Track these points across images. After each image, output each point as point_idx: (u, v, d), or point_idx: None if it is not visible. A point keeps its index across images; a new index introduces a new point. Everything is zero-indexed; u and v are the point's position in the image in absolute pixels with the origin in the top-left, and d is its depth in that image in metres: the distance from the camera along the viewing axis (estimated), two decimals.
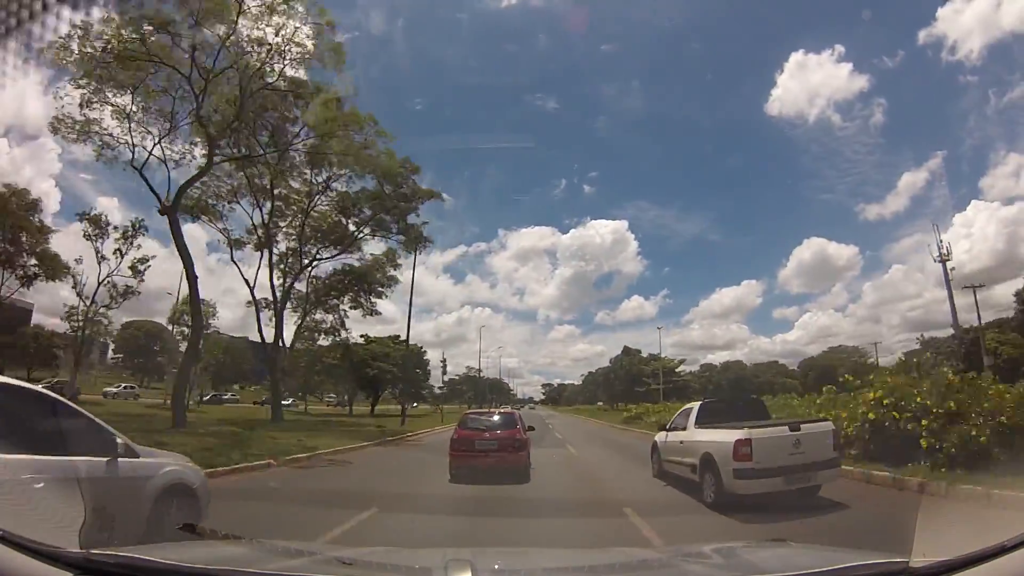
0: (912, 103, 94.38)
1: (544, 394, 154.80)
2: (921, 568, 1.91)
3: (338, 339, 41.25)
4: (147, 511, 4.69)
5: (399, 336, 48.08)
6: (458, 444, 10.91)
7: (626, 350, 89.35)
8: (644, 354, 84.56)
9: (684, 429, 9.71)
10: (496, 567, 2.93)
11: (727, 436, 7.76)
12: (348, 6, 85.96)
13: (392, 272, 36.13)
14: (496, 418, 12.03)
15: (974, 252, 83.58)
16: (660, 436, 11.04)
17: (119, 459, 4.48)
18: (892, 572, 1.98)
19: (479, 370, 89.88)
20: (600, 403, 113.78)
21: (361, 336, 53.04)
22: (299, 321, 35.44)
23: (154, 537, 4.47)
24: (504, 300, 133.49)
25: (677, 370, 78.01)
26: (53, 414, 4.22)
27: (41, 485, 3.61)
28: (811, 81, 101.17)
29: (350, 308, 37.71)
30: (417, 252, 35.30)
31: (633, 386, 77.48)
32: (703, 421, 9.37)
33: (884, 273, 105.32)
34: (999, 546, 1.82)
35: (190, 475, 5.49)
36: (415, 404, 69.65)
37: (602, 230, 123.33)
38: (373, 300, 37.35)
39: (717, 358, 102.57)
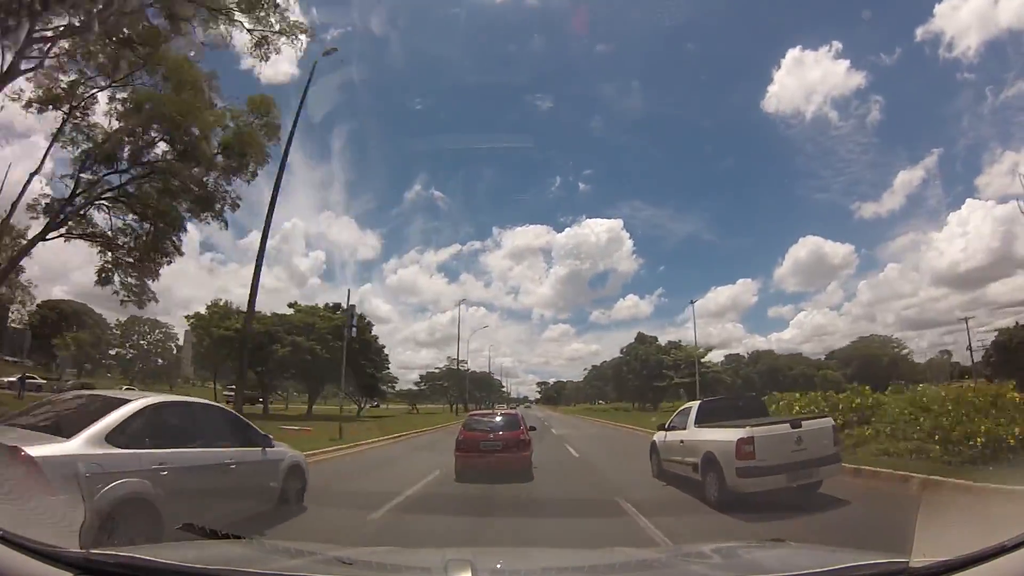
0: (909, 100, 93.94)
1: (540, 392, 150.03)
2: (921, 568, 1.92)
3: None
4: (280, 482, 7.11)
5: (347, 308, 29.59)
6: (464, 445, 11.16)
7: (641, 337, 75.35)
8: (661, 342, 72.09)
9: (684, 428, 9.67)
10: (496, 567, 2.93)
11: (729, 435, 7.73)
12: (344, 4, 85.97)
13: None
14: (499, 419, 12.23)
15: (969, 251, 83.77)
16: (659, 436, 10.97)
17: (267, 449, 7.02)
18: (892, 572, 1.98)
19: (461, 361, 74.11)
20: (600, 401, 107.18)
21: (290, 305, 42.45)
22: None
23: (282, 501, 7.07)
24: (498, 299, 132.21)
25: (704, 360, 64.29)
26: (235, 422, 7.03)
27: (234, 466, 6.21)
28: (808, 78, 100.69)
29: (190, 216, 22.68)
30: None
31: (651, 380, 66.60)
32: (703, 420, 9.35)
33: (879, 271, 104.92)
34: (999, 546, 1.82)
35: (299, 458, 7.88)
36: (375, 402, 57.37)
37: (597, 229, 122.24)
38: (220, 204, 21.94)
39: (745, 346, 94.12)
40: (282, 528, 6.42)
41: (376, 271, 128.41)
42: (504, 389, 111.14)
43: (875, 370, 65.35)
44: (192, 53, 20.60)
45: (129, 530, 4.52)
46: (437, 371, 79.27)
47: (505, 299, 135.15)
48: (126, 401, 5.36)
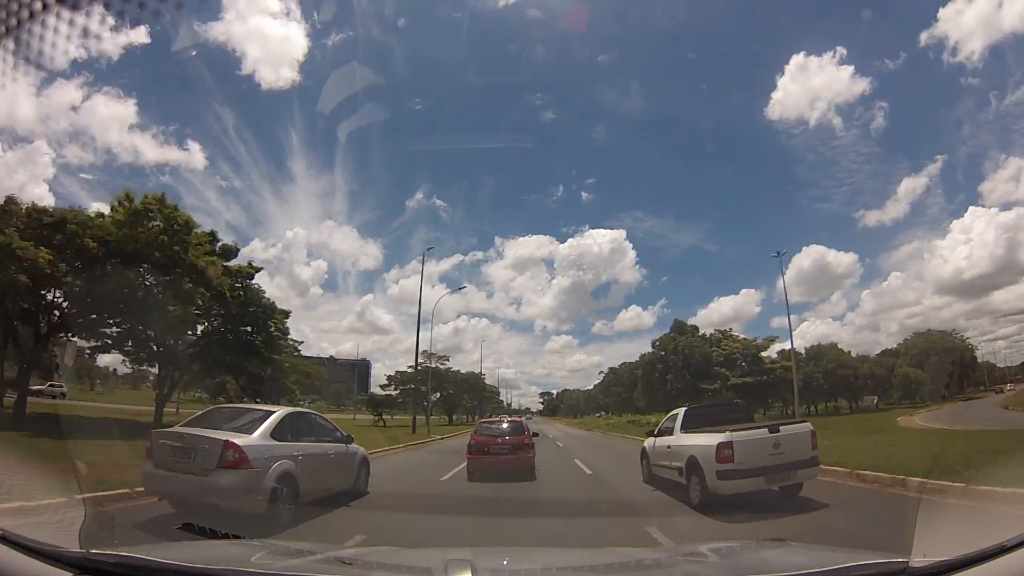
0: (913, 107, 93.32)
1: (543, 403, 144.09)
2: (921, 568, 1.92)
3: None
4: (355, 470, 9.15)
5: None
6: (475, 448, 12.53)
7: (679, 327, 61.07)
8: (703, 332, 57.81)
9: (671, 434, 9.96)
10: (496, 567, 2.93)
11: (710, 439, 8.06)
12: (346, 7, 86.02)
13: None
14: (506, 426, 13.76)
15: (973, 258, 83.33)
16: (649, 442, 11.33)
17: (348, 444, 9.17)
18: (892, 572, 1.98)
19: (441, 357, 59.25)
20: (604, 412, 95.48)
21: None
22: None
23: (359, 483, 9.19)
24: (501, 310, 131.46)
25: (763, 354, 52.38)
26: (329, 425, 9.26)
27: (333, 455, 8.54)
28: (812, 84, 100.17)
29: None
30: None
31: (697, 381, 53.85)
32: (689, 426, 9.67)
33: (883, 281, 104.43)
34: (999, 546, 1.83)
35: (364, 453, 9.96)
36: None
37: (600, 239, 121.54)
38: None
39: (805, 339, 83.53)
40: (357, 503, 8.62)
41: (377, 281, 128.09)
42: (501, 398, 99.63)
43: (954, 368, 55.16)
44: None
45: (284, 495, 6.76)
46: (410, 370, 57.83)
47: (507, 310, 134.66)
48: (273, 411, 7.74)
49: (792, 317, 47.43)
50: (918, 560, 1.95)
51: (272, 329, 26.81)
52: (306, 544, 3.47)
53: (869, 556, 2.17)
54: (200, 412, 8.55)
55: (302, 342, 42.99)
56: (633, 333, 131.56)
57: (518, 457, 12.20)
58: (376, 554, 3.24)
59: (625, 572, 2.93)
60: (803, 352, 55.03)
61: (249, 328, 25.63)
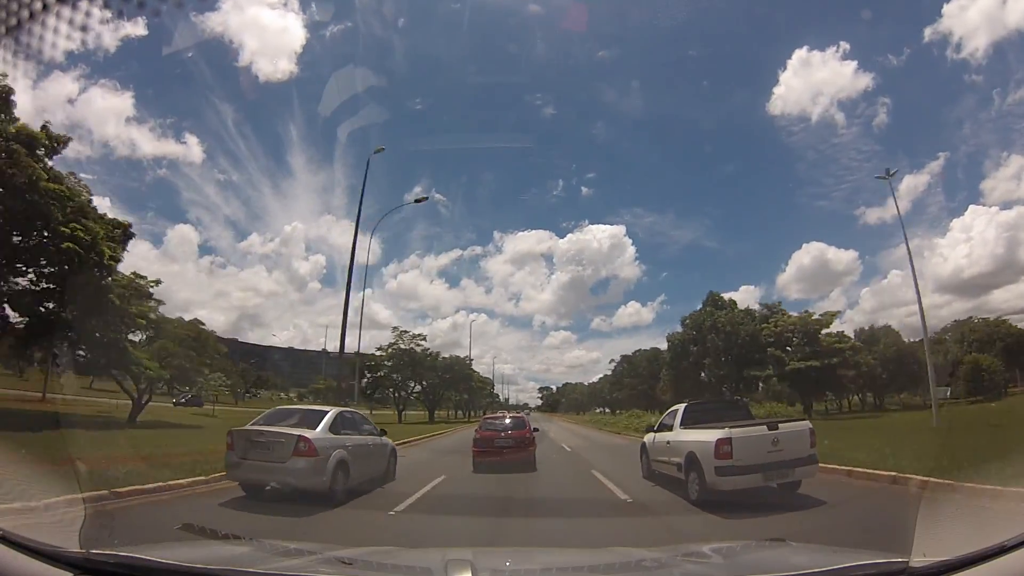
0: (916, 104, 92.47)
1: (542, 398, 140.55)
2: (921, 568, 1.92)
3: None
4: (388, 459, 10.92)
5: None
6: (480, 443, 13.41)
7: (715, 300, 49.07)
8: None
9: (671, 430, 10.05)
10: (496, 567, 2.93)
11: (709, 436, 8.08)
12: (344, 5, 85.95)
13: None
14: (508, 421, 14.59)
15: (973, 257, 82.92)
16: (648, 437, 11.46)
17: (382, 437, 11.05)
18: (892, 572, 1.98)
19: (416, 336, 49.26)
20: (603, 409, 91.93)
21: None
22: None
23: (390, 470, 10.90)
24: (499, 305, 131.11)
25: (824, 332, 41.30)
26: (365, 420, 11.29)
27: (372, 445, 10.29)
28: (815, 79, 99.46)
29: None
30: None
31: (741, 367, 44.68)
32: (688, 422, 9.74)
33: (883, 278, 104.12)
34: (999, 546, 1.83)
35: (393, 444, 11.71)
36: (250, 392, 36.84)
37: (600, 235, 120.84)
38: None
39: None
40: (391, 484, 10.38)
41: (376, 276, 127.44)
42: (496, 391, 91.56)
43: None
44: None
45: (340, 477, 8.48)
46: (381, 352, 46.62)
47: (506, 305, 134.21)
48: (328, 410, 9.68)
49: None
50: (918, 560, 1.95)
51: (72, 231, 15.67)
52: (306, 544, 3.47)
53: (869, 556, 2.17)
54: (265, 412, 10.31)
55: (158, 282, 24.46)
56: (632, 329, 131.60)
57: (521, 450, 13.25)
58: (376, 554, 3.24)
59: (625, 572, 2.93)
60: (852, 336, 44.87)
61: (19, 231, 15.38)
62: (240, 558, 2.66)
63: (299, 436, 8.19)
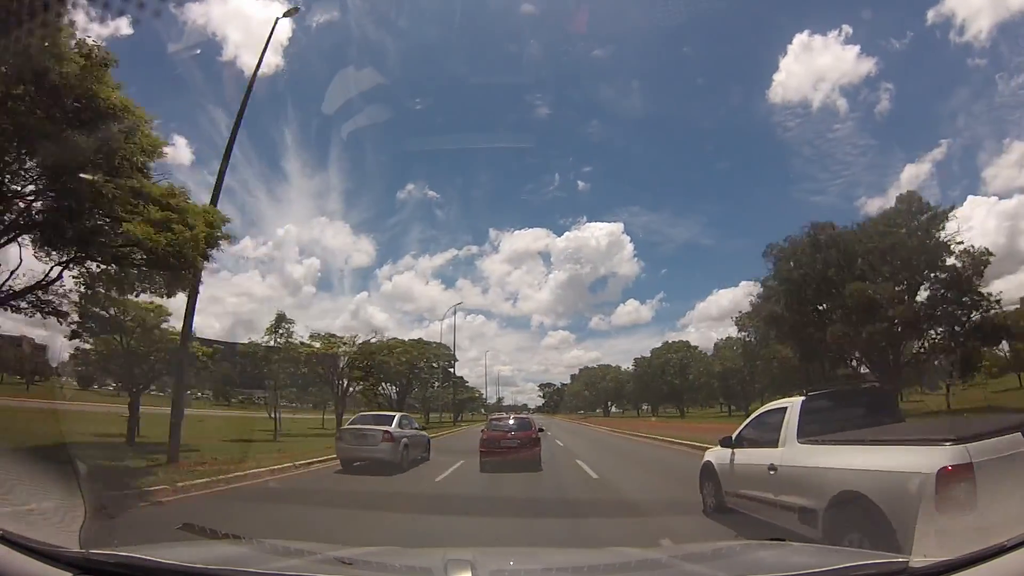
0: (918, 89, 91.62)
1: (543, 397, 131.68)
2: (921, 568, 1.91)
3: None
4: (426, 446, 16.79)
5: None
6: (487, 443, 14.29)
7: (820, 227, 31.49)
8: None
9: (774, 445, 5.98)
10: (496, 567, 2.93)
11: (900, 458, 4.07)
12: (344, 4, 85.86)
13: None
14: (513, 422, 15.41)
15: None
16: (715, 454, 7.57)
17: (422, 431, 17.99)
18: (892, 572, 1.98)
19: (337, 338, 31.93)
20: (601, 409, 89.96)
21: None
22: None
23: (427, 454, 16.56)
24: (496, 305, 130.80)
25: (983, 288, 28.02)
26: (412, 421, 18.06)
27: (418, 436, 16.43)
28: (816, 64, 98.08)
29: None
30: None
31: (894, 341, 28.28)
32: (812, 430, 5.61)
33: None
34: (999, 546, 1.83)
35: (428, 436, 18.04)
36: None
37: (597, 232, 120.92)
38: None
39: None
40: (428, 465, 15.17)
41: (371, 278, 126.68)
42: (482, 393, 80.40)
43: None
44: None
45: (405, 456, 13.99)
46: (337, 340, 31.70)
47: (503, 305, 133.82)
48: (395, 415, 15.34)
49: None
50: (918, 560, 1.95)
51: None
52: (306, 544, 3.46)
53: (869, 556, 2.18)
54: (355, 416, 16.69)
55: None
56: (631, 328, 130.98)
57: (526, 450, 13.96)
58: (376, 554, 3.24)
59: (626, 572, 2.93)
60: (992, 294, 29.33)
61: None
62: (240, 558, 2.66)
63: (384, 430, 13.56)
